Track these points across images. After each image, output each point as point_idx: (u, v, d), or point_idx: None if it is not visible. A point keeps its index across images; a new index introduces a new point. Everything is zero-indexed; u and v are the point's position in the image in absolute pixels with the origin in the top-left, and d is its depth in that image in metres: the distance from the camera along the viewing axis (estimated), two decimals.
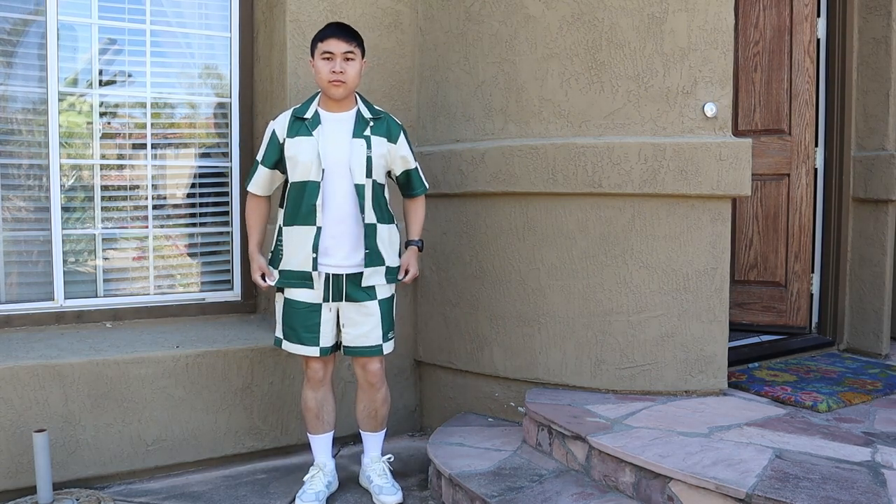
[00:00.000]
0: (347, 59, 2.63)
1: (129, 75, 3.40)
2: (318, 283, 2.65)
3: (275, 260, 2.73)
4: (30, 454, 2.74)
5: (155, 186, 3.46)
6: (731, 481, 2.10)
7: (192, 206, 3.56)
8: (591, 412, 2.78)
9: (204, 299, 3.55)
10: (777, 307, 3.87)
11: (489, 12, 3.18)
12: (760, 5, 3.77)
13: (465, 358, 3.33)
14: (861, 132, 3.75)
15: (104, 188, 3.36)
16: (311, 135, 2.64)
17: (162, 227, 3.49)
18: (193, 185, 3.56)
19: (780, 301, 3.86)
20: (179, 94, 3.51)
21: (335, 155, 2.63)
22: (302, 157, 2.62)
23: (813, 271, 3.83)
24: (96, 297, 3.35)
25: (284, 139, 2.67)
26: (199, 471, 3.10)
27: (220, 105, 3.58)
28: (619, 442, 2.45)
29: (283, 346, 2.74)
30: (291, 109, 2.73)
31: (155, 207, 3.46)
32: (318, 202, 2.61)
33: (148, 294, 3.46)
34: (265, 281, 2.71)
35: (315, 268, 2.62)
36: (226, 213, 3.60)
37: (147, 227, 3.45)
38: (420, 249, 2.85)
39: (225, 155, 3.59)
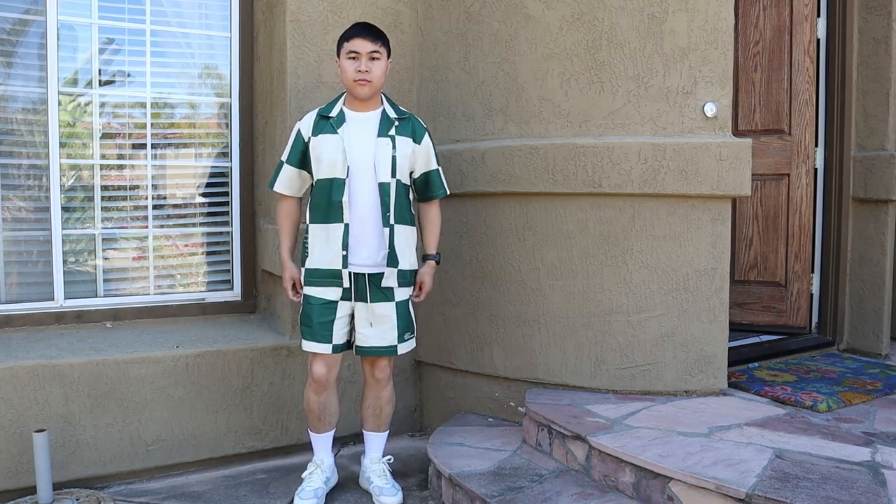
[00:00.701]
0: (373, 59, 2.64)
1: (129, 75, 3.40)
2: (347, 281, 2.65)
3: (303, 259, 2.74)
4: (30, 454, 2.74)
5: (155, 186, 3.46)
6: (731, 481, 2.10)
7: (192, 206, 3.56)
8: (591, 412, 2.78)
9: (204, 299, 3.55)
10: (777, 307, 3.87)
11: (489, 12, 3.18)
12: (760, 5, 3.77)
13: (465, 358, 3.33)
14: (861, 132, 3.76)
15: (104, 188, 3.36)
16: (335, 132, 2.65)
17: (162, 227, 3.49)
18: (193, 185, 3.56)
19: (780, 301, 3.86)
20: (179, 94, 3.51)
21: (360, 153, 2.63)
22: (326, 155, 2.63)
23: (813, 271, 3.83)
24: (96, 297, 3.35)
25: (309, 137, 2.68)
26: (199, 471, 3.10)
27: (220, 105, 3.58)
28: (619, 442, 2.45)
29: (302, 345, 2.73)
30: (317, 109, 2.75)
31: (155, 207, 3.46)
32: (345, 199, 2.61)
33: (148, 294, 3.46)
34: (294, 291, 2.76)
35: (346, 265, 2.62)
36: (226, 213, 3.60)
37: (147, 227, 3.45)
38: (438, 263, 2.86)
39: (225, 155, 3.59)
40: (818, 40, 3.74)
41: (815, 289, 3.84)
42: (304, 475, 2.82)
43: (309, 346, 2.70)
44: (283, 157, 2.76)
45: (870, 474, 2.16)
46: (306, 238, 2.72)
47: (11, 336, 3.09)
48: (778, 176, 3.82)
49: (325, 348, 2.69)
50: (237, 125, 3.56)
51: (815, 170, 3.81)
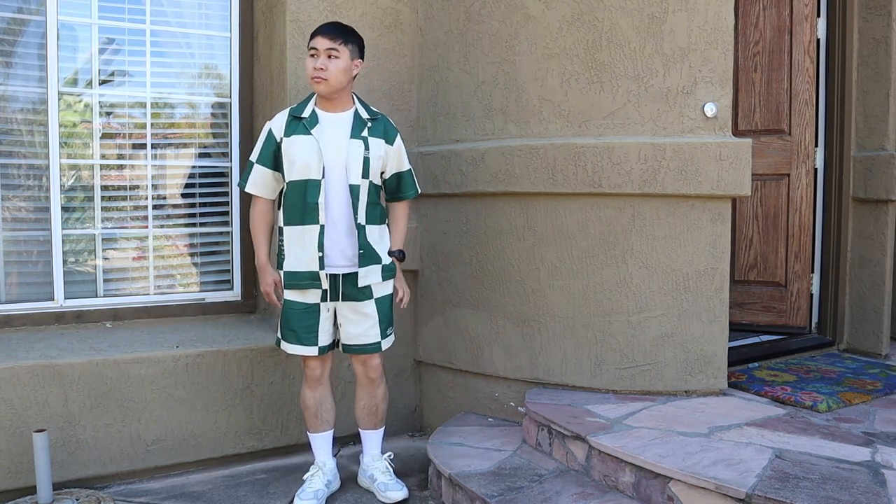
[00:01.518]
0: (330, 56, 2.61)
1: (129, 75, 3.39)
2: (325, 282, 2.65)
3: (279, 262, 2.73)
4: (30, 454, 2.74)
5: (155, 186, 3.46)
6: (730, 481, 2.10)
7: (192, 206, 3.56)
8: (591, 412, 2.78)
9: (204, 299, 3.55)
10: (777, 307, 3.87)
11: (489, 12, 3.18)
12: (760, 5, 3.77)
13: (465, 358, 3.33)
14: (861, 132, 3.75)
15: (104, 188, 3.36)
16: (309, 134, 2.64)
17: (162, 227, 3.49)
18: (193, 185, 3.56)
19: (780, 301, 3.86)
20: (179, 94, 3.51)
21: (333, 155, 2.63)
22: (300, 157, 2.62)
23: (813, 271, 3.83)
24: (96, 297, 3.35)
25: (282, 138, 2.67)
26: (199, 471, 3.10)
27: (220, 105, 3.58)
28: (619, 442, 2.45)
29: (282, 347, 2.75)
30: (288, 109, 2.73)
31: (155, 207, 3.46)
32: (321, 200, 2.61)
33: (148, 294, 3.45)
34: (275, 295, 2.73)
35: (322, 266, 2.62)
36: (226, 213, 3.60)
37: (147, 227, 3.45)
38: (401, 260, 2.83)
39: (225, 155, 3.59)
40: (818, 40, 3.74)
41: (815, 289, 3.84)
42: (305, 476, 2.82)
43: (294, 348, 2.71)
44: (254, 157, 2.72)
45: (870, 474, 2.16)
46: (281, 241, 2.71)
47: (11, 336, 3.09)
48: (778, 176, 3.81)
49: (311, 351, 2.71)
50: (237, 125, 3.56)
51: (815, 170, 3.81)
